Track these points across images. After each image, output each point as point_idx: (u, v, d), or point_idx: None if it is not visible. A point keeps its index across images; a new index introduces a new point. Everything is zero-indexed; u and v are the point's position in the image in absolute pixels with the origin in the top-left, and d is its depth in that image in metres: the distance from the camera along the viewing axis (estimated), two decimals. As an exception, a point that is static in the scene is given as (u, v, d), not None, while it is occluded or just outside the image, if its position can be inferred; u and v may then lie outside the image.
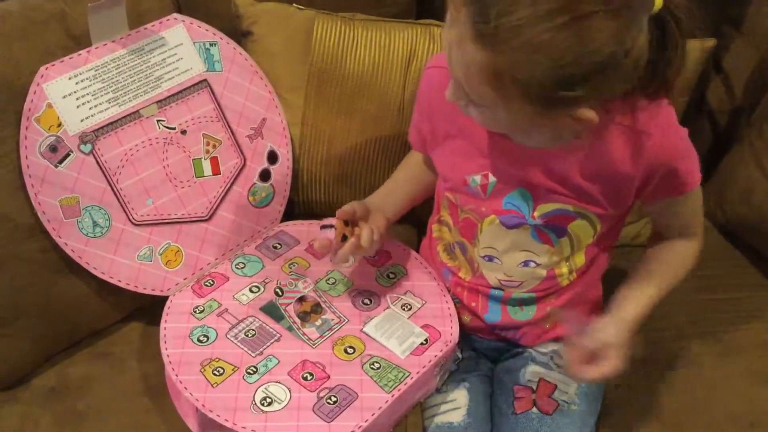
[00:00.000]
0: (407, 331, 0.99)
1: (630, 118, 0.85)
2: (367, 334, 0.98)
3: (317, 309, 1.01)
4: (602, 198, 0.90)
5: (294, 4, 1.19)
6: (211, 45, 1.13)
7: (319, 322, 1.00)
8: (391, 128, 1.19)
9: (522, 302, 1.00)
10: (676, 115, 0.88)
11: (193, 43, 1.11)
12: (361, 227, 0.98)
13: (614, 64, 0.72)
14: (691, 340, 1.11)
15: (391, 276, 1.07)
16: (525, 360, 1.02)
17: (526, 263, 0.96)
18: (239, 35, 1.20)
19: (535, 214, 0.92)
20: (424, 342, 0.98)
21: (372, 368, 0.94)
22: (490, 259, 0.98)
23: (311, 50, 1.16)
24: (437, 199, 1.06)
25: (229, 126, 1.13)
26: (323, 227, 0.97)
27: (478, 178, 0.94)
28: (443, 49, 0.79)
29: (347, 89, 1.16)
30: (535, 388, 0.99)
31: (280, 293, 1.03)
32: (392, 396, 0.92)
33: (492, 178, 0.93)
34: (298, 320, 1.00)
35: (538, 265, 0.96)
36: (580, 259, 0.97)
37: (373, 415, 0.90)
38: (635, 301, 0.95)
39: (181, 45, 1.11)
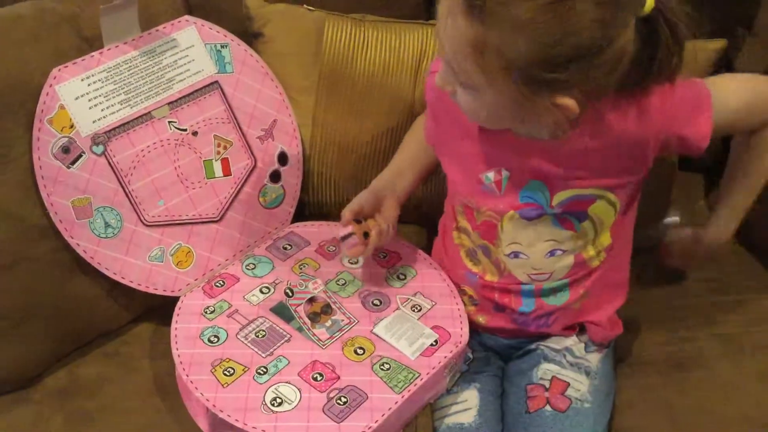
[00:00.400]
0: (417, 332, 0.98)
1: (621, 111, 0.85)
2: (377, 335, 0.98)
3: (327, 310, 1.01)
4: (618, 170, 0.89)
5: (304, 6, 1.19)
6: (222, 47, 1.13)
7: (329, 323, 0.99)
8: (401, 128, 1.18)
9: (555, 290, 0.99)
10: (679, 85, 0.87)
11: (205, 44, 1.12)
12: (371, 226, 0.99)
13: (596, 52, 0.74)
14: (704, 341, 1.10)
15: (401, 277, 1.06)
16: (537, 358, 1.01)
17: (552, 252, 0.96)
18: (250, 36, 1.20)
19: (554, 203, 0.92)
20: (434, 343, 0.97)
21: (382, 369, 0.94)
22: (516, 255, 0.97)
23: (322, 51, 1.16)
24: (450, 207, 1.05)
25: (239, 127, 1.13)
26: (343, 238, 0.98)
27: (491, 175, 0.94)
28: (436, 26, 0.81)
29: (358, 90, 1.16)
30: (547, 386, 0.98)
31: (290, 294, 1.03)
32: (402, 397, 0.91)
33: (505, 173, 0.93)
34: (308, 321, 0.99)
35: (564, 252, 0.95)
36: (606, 239, 0.96)
37: (383, 415, 0.89)
38: (733, 198, 1.01)
39: (193, 47, 1.11)
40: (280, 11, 1.18)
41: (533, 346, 1.03)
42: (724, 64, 1.29)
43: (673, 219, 1.19)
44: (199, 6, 1.19)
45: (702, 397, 1.03)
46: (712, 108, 0.88)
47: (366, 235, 0.99)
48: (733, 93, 0.92)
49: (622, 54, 0.76)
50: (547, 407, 0.96)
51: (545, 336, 1.03)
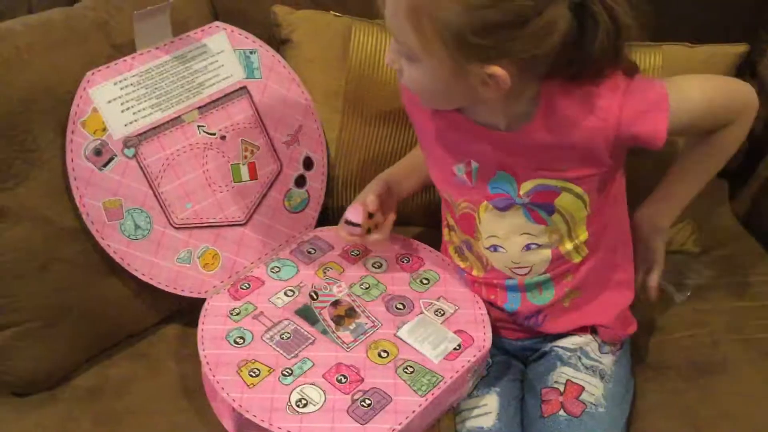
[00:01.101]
0: (440, 336, 0.98)
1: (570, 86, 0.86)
2: (400, 339, 0.98)
3: (351, 313, 1.01)
4: (576, 163, 0.90)
5: (331, 12, 1.20)
6: (251, 53, 1.14)
7: (353, 326, 1.00)
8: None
9: (539, 285, 0.99)
10: (627, 78, 0.87)
11: (234, 50, 1.13)
12: (379, 224, 1.03)
13: (523, 21, 0.76)
14: (727, 347, 1.09)
15: (425, 282, 1.06)
16: (552, 361, 1.01)
17: (528, 246, 0.96)
18: (278, 43, 1.21)
19: (521, 192, 0.93)
20: (458, 347, 0.97)
21: (405, 372, 0.94)
22: (495, 248, 0.98)
23: (349, 57, 1.17)
24: (442, 206, 1.07)
25: (266, 132, 1.14)
26: (348, 222, 1.00)
27: (462, 167, 0.95)
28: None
29: (383, 95, 1.17)
30: (562, 390, 0.98)
31: (315, 297, 1.03)
32: (426, 400, 0.91)
33: (474, 164, 0.94)
34: (332, 324, 1.00)
35: (539, 246, 0.96)
36: (582, 234, 0.96)
37: (407, 418, 0.89)
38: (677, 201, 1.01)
39: (222, 52, 1.12)
40: (308, 18, 1.20)
41: (547, 348, 1.03)
42: (747, 69, 1.29)
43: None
44: (226, 12, 1.21)
45: (725, 403, 1.02)
46: (669, 109, 0.87)
47: (369, 230, 1.01)
48: (692, 94, 0.92)
49: (552, 28, 0.77)
50: (561, 412, 0.96)
51: (558, 336, 1.03)
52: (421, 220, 1.23)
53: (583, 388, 0.97)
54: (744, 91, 0.97)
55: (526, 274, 0.99)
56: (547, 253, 0.97)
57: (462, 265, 1.05)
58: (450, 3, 0.76)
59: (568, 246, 0.96)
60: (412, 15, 0.79)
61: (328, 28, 1.19)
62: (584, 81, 0.85)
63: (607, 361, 1.01)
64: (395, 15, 0.81)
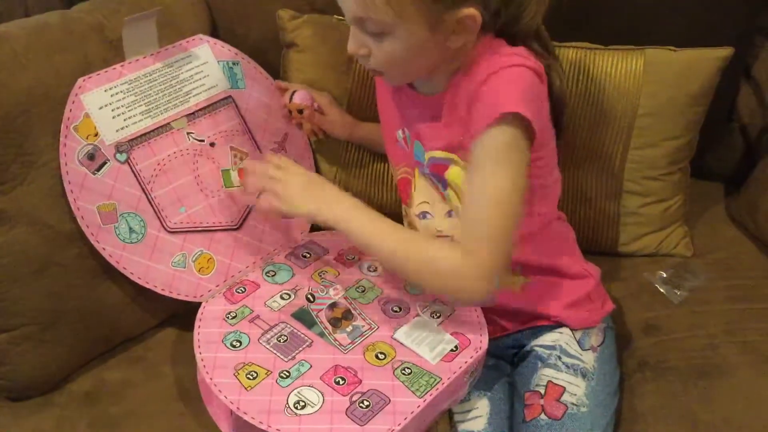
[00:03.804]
0: (437, 337, 1.04)
1: (487, 53, 0.95)
2: (397, 341, 1.03)
3: (348, 315, 1.06)
4: (456, 134, 0.97)
5: (335, 16, 1.27)
6: (233, 64, 1.22)
7: (349, 329, 1.05)
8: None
9: None
10: (526, 76, 0.92)
11: (218, 62, 1.21)
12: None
13: None
14: (726, 349, 1.14)
15: (420, 284, 1.13)
16: (534, 363, 1.06)
17: (449, 213, 1.06)
18: (283, 47, 1.28)
19: (425, 161, 1.03)
20: (455, 349, 1.02)
21: (403, 374, 0.99)
22: (425, 215, 1.08)
23: (354, 60, 1.24)
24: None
25: (254, 139, 1.21)
26: (294, 94, 1.22)
27: (400, 132, 1.08)
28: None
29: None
30: (543, 392, 1.02)
31: (311, 299, 1.09)
32: (424, 401, 0.96)
33: (406, 132, 1.06)
34: (329, 326, 1.05)
35: (457, 216, 1.05)
36: None
37: (405, 419, 0.94)
38: (357, 220, 0.98)
39: (207, 63, 1.19)
40: (312, 22, 1.27)
41: (528, 347, 1.09)
42: (742, 72, 1.37)
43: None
44: (226, 17, 1.29)
45: (725, 406, 1.06)
46: (486, 128, 0.90)
47: (301, 112, 1.22)
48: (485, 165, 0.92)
49: None
50: (543, 416, 1.00)
51: (536, 333, 1.09)
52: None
53: (564, 389, 1.02)
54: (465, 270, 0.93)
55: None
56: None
57: None
58: None
59: None
60: None
61: (333, 32, 1.26)
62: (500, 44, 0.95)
63: (588, 358, 1.06)
64: (366, 3, 0.88)
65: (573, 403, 1.01)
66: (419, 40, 0.92)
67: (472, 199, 0.93)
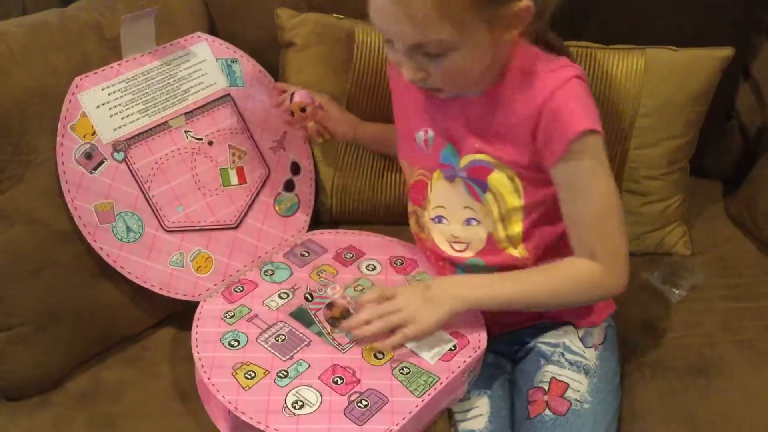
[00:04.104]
0: (436, 337, 1.03)
1: (528, 61, 0.96)
2: (396, 340, 1.04)
3: (347, 315, 1.06)
4: (507, 142, 0.98)
5: (334, 15, 1.28)
6: (232, 62, 1.22)
7: (347, 328, 1.06)
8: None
9: (483, 271, 1.06)
10: (582, 89, 0.95)
11: (216, 59, 1.20)
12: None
13: None
14: (724, 347, 1.15)
15: (419, 283, 1.13)
16: (537, 360, 1.07)
17: (468, 221, 1.05)
18: (281, 45, 1.28)
19: (460, 165, 1.02)
20: (453, 348, 1.02)
21: (402, 373, 0.99)
22: (440, 220, 1.07)
23: (353, 59, 1.24)
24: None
25: (252, 138, 1.21)
26: (294, 95, 1.19)
27: (421, 133, 1.06)
28: (381, 31, 0.93)
29: (387, 97, 1.23)
30: (547, 389, 1.03)
31: (309, 298, 1.09)
32: (422, 400, 0.96)
33: (431, 133, 1.05)
34: (327, 325, 1.05)
35: (478, 223, 1.04)
36: (516, 228, 1.03)
37: (403, 419, 0.94)
38: (487, 285, 1.01)
39: (205, 61, 1.19)
40: (311, 20, 1.27)
41: (531, 344, 1.09)
42: (740, 70, 1.37)
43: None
44: (223, 15, 1.29)
45: (723, 404, 1.07)
46: (568, 145, 0.93)
47: (303, 110, 1.19)
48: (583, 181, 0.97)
49: None
50: (547, 411, 1.01)
51: (539, 331, 1.09)
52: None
53: (567, 385, 1.03)
54: (613, 276, 1.00)
55: (463, 251, 1.06)
56: (483, 233, 1.04)
57: (421, 235, 1.13)
58: None
59: (501, 233, 1.03)
60: (440, 6, 0.85)
61: (332, 31, 1.26)
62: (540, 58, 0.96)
63: (591, 355, 1.06)
64: (419, 20, 0.87)
65: (576, 400, 1.02)
66: (480, 47, 0.91)
67: (581, 215, 0.98)
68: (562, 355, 1.06)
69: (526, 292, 1.01)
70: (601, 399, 1.04)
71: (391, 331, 1.00)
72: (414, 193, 1.11)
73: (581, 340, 1.07)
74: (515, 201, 1.01)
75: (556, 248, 1.04)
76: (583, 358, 1.06)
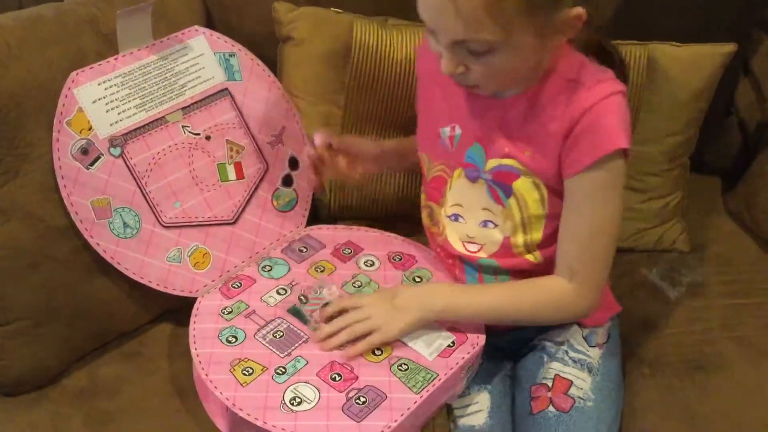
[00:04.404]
0: (434, 333, 1.04)
1: (574, 69, 0.95)
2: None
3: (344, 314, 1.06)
4: (538, 149, 0.97)
5: (332, 8, 1.27)
6: (230, 56, 1.21)
7: (345, 326, 1.06)
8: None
9: (495, 272, 1.06)
10: (624, 106, 0.94)
11: (214, 53, 1.20)
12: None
13: None
14: (723, 344, 1.15)
15: (417, 279, 1.12)
16: (541, 357, 1.07)
17: (485, 223, 1.04)
18: (279, 40, 1.28)
19: (486, 167, 1.01)
20: (451, 344, 1.03)
21: (400, 369, 0.99)
22: (456, 218, 1.06)
23: (351, 53, 1.24)
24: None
25: (250, 132, 1.20)
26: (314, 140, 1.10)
27: (447, 130, 1.05)
28: (426, 22, 0.91)
29: (385, 91, 1.24)
30: (550, 385, 1.03)
31: (304, 300, 1.08)
32: (421, 397, 0.96)
33: (458, 130, 1.03)
34: (324, 325, 1.04)
35: (495, 226, 1.04)
36: (536, 235, 1.03)
37: (402, 415, 0.94)
38: (456, 296, 1.04)
39: (203, 55, 1.19)
40: (309, 14, 1.26)
41: (535, 342, 1.09)
42: (740, 66, 1.37)
43: None
44: (221, 9, 1.28)
45: (722, 400, 1.08)
46: (597, 160, 0.93)
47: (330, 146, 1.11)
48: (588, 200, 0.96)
49: None
50: (551, 408, 1.01)
51: (544, 329, 1.09)
52: (413, 217, 1.30)
53: (571, 383, 1.03)
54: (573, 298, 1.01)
55: (477, 252, 1.06)
56: (499, 236, 1.04)
57: (433, 229, 1.13)
58: None
59: (519, 239, 1.03)
60: (491, 6, 0.84)
61: (330, 25, 1.26)
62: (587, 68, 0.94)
63: (594, 354, 1.06)
64: (467, 18, 0.85)
65: (580, 397, 1.02)
66: (524, 50, 0.90)
67: (580, 228, 0.98)
68: (566, 353, 1.06)
69: (495, 307, 1.03)
70: (604, 397, 1.04)
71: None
72: (431, 188, 1.10)
73: (585, 339, 1.08)
74: (538, 209, 1.01)
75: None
76: (586, 357, 1.06)
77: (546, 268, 1.04)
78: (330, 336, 1.02)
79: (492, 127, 1.00)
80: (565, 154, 0.95)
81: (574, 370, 1.04)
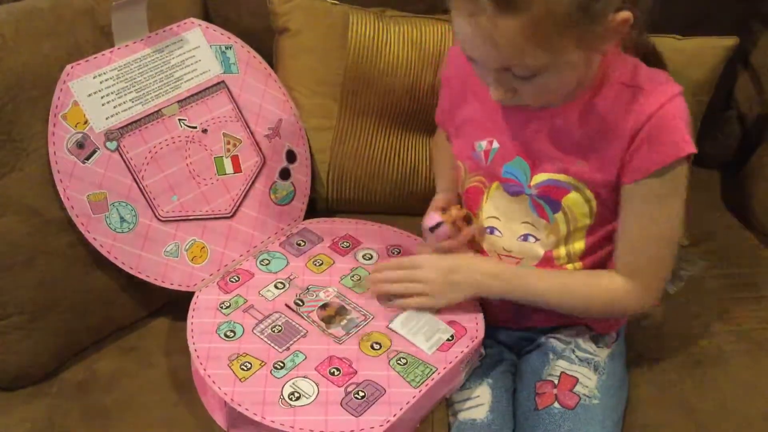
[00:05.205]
0: (433, 327, 1.04)
1: (628, 73, 0.93)
2: (393, 330, 1.04)
3: (342, 311, 1.07)
4: (593, 158, 0.95)
5: (328, 0, 1.27)
6: (226, 48, 1.21)
7: (344, 323, 1.05)
8: (422, 123, 1.27)
9: None
10: (685, 107, 0.93)
11: (210, 46, 1.20)
12: (458, 217, 1.08)
13: None
14: (721, 338, 1.15)
15: (417, 273, 1.13)
16: (546, 354, 1.07)
17: (525, 237, 1.03)
18: (275, 32, 1.28)
19: (531, 183, 0.99)
20: (451, 338, 1.03)
21: (399, 364, 1.00)
22: (492, 231, 1.05)
23: (347, 45, 1.23)
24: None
25: (247, 125, 1.20)
26: (431, 229, 1.06)
27: (484, 143, 1.02)
28: (465, 52, 0.88)
29: (382, 83, 1.24)
30: (556, 382, 1.03)
31: (300, 303, 1.08)
32: (420, 391, 0.97)
33: (495, 144, 1.01)
34: (322, 324, 1.05)
35: (537, 240, 1.02)
36: (579, 245, 1.02)
37: (401, 409, 0.95)
38: (515, 278, 1.02)
39: (199, 47, 1.19)
40: (305, 6, 1.26)
41: (542, 340, 1.09)
42: (740, 59, 1.37)
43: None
44: (217, 1, 1.28)
45: (721, 394, 1.08)
46: (666, 166, 0.92)
47: (468, 219, 1.07)
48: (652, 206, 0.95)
49: None
50: (556, 404, 1.01)
51: (552, 328, 1.09)
52: (413, 210, 1.30)
53: (577, 380, 1.03)
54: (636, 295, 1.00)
55: (513, 265, 1.05)
56: (540, 251, 1.03)
57: None
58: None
59: (562, 251, 1.02)
60: (534, 37, 0.82)
61: (326, 17, 1.26)
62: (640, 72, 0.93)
63: (601, 353, 1.07)
64: (515, 51, 0.83)
65: (585, 395, 1.02)
66: (572, 65, 0.88)
67: (642, 232, 0.97)
68: (573, 351, 1.06)
69: (548, 297, 1.03)
70: (610, 396, 1.04)
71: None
72: (467, 197, 1.08)
73: (593, 339, 1.08)
74: (586, 220, 1.00)
75: (605, 264, 1.04)
76: (593, 356, 1.06)
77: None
78: (384, 281, 1.06)
79: (537, 139, 0.98)
80: (627, 161, 0.93)
81: (581, 368, 1.05)
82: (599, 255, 1.03)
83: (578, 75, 0.91)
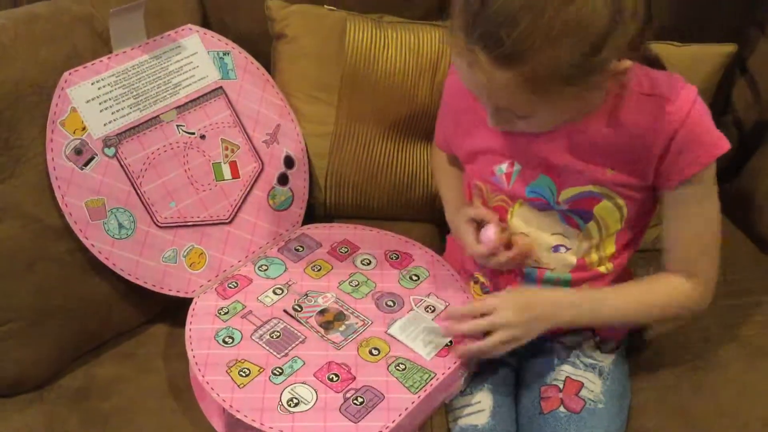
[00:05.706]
0: (432, 332, 1.05)
1: (645, 82, 0.94)
2: (391, 336, 1.04)
3: (340, 317, 1.07)
4: (624, 165, 0.96)
5: (326, 6, 1.27)
6: (224, 54, 1.22)
7: (342, 328, 1.05)
8: (419, 128, 1.27)
9: (557, 283, 1.06)
10: (705, 104, 0.94)
11: (208, 52, 1.20)
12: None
13: (620, 10, 0.82)
14: (719, 343, 1.15)
15: (414, 278, 1.13)
16: (551, 359, 1.07)
17: (556, 248, 1.03)
18: (272, 38, 1.28)
19: (560, 199, 0.99)
20: (449, 343, 1.03)
21: (397, 369, 1.00)
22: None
23: (344, 51, 1.24)
24: (467, 189, 1.12)
25: (245, 131, 1.21)
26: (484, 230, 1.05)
27: (504, 167, 1.02)
28: (468, 87, 0.89)
29: (378, 89, 1.24)
30: (561, 386, 1.04)
31: (299, 309, 1.08)
32: (418, 397, 0.97)
33: (517, 166, 1.01)
34: (321, 329, 1.05)
35: (568, 249, 1.03)
36: (610, 248, 1.03)
37: (399, 415, 0.95)
38: (587, 306, 1.02)
39: (197, 54, 1.19)
40: (302, 12, 1.27)
41: (547, 344, 1.09)
42: (738, 66, 1.38)
43: None
44: (215, 6, 1.28)
45: (719, 399, 1.07)
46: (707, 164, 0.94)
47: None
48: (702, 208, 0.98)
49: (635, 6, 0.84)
50: (561, 408, 1.01)
51: (559, 333, 1.09)
52: (411, 215, 1.31)
53: (582, 385, 1.04)
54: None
55: (546, 270, 1.05)
56: (572, 259, 1.03)
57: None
58: (560, 50, 0.80)
59: (594, 256, 1.03)
60: (531, 86, 0.83)
61: (323, 23, 1.26)
62: (656, 80, 0.93)
63: (606, 359, 1.07)
64: (510, 98, 0.86)
65: (591, 399, 1.02)
66: (570, 104, 0.90)
67: (691, 232, 0.99)
68: (578, 356, 1.07)
69: (621, 311, 1.03)
70: (614, 401, 1.04)
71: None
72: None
73: (598, 344, 1.08)
74: (617, 226, 1.01)
75: (630, 262, 1.06)
76: (598, 361, 1.07)
77: (615, 276, 1.05)
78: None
79: (559, 155, 0.98)
80: (666, 168, 0.94)
81: (586, 373, 1.05)
82: (626, 255, 1.05)
83: (578, 107, 0.92)
